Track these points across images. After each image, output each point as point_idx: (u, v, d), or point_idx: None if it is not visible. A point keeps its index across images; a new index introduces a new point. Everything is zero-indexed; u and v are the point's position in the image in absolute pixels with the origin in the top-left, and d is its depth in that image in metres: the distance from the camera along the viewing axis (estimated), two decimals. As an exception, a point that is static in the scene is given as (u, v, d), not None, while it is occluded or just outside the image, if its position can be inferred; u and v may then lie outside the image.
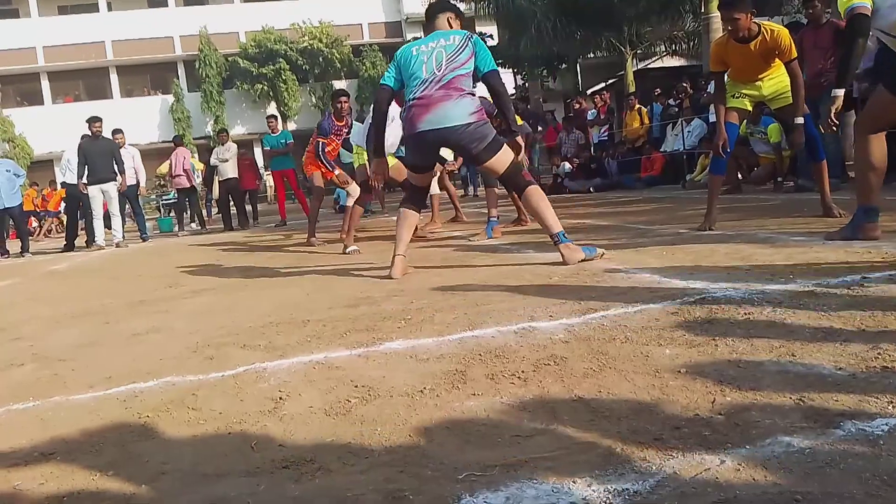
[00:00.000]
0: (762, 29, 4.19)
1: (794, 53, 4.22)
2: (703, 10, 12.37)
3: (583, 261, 3.47)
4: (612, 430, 1.41)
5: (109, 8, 31.12)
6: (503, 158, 3.66)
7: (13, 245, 10.93)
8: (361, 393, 1.82)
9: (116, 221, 9.90)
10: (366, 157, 5.88)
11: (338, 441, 1.53)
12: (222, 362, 2.28)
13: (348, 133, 6.40)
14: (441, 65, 3.60)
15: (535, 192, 3.64)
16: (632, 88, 16.35)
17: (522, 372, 1.84)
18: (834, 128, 3.57)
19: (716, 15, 12.72)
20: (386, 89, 3.80)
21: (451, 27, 3.83)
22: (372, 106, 3.96)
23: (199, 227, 12.18)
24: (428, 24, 3.91)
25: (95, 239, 9.85)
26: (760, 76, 4.37)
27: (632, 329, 2.13)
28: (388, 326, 2.53)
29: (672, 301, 2.43)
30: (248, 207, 12.41)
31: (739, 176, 8.17)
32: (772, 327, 2.01)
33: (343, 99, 6.39)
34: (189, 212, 13.18)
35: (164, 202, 17.02)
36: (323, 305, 3.13)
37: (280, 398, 1.85)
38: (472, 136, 3.59)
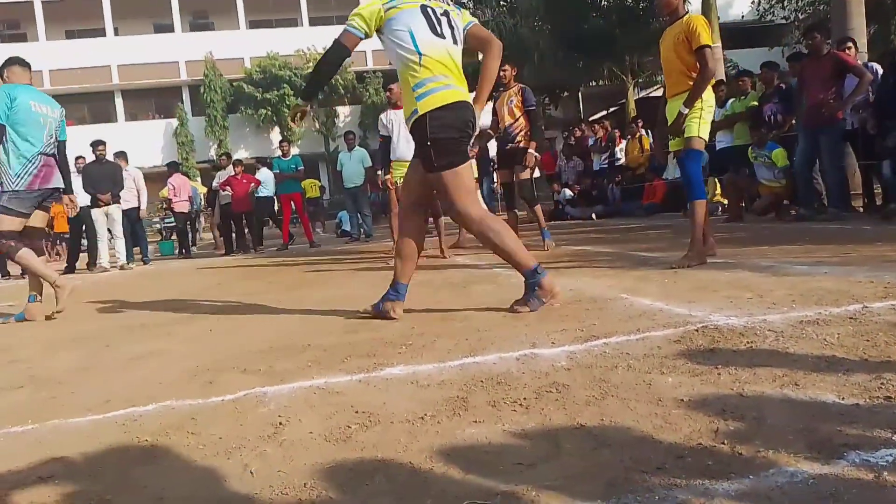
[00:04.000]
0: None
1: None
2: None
3: None
4: (615, 459, 1.40)
5: (116, 32, 31.53)
6: None
7: (14, 267, 10.92)
8: (362, 419, 1.81)
9: (119, 244, 9.93)
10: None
11: (338, 468, 1.51)
12: (222, 387, 2.27)
13: None
14: (52, 135, 4.63)
15: None
16: (633, 115, 16.48)
17: (524, 399, 1.83)
18: None
19: (717, 45, 12.89)
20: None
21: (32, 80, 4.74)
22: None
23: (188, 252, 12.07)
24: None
25: (99, 261, 9.87)
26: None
27: (634, 357, 2.13)
28: (389, 352, 2.52)
29: (674, 329, 2.43)
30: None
31: (741, 204, 8.20)
32: (774, 356, 2.01)
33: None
34: (190, 235, 13.16)
35: (166, 225, 17.08)
36: (323, 330, 3.12)
37: (280, 424, 1.84)
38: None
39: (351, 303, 3.67)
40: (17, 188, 4.46)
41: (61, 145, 4.78)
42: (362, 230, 11.44)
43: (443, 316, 3.15)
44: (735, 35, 25.20)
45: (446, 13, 3.18)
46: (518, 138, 6.14)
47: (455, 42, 3.16)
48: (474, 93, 3.26)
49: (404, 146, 6.34)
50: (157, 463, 1.66)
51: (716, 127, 8.60)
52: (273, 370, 2.43)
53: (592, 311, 2.93)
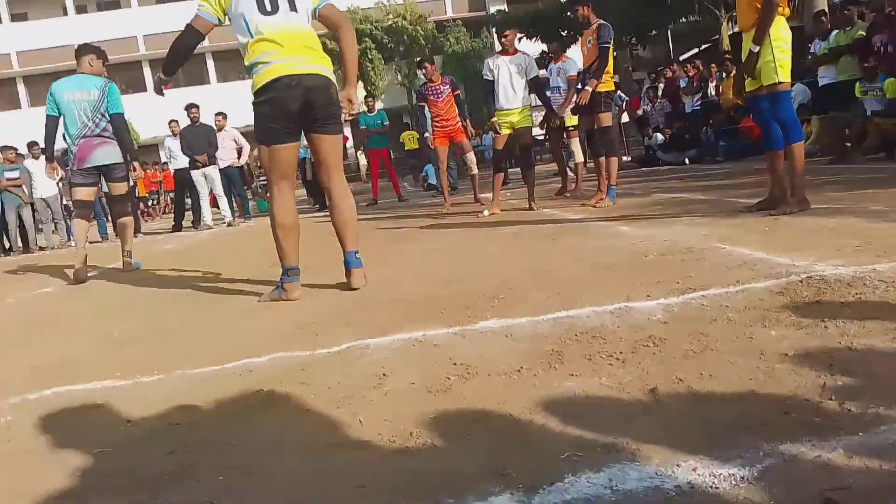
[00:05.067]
0: None
1: None
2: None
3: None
4: (716, 414, 1.40)
5: None
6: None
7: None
8: (460, 371, 1.87)
9: (223, 203, 10.44)
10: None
11: (440, 418, 1.58)
12: (328, 339, 2.38)
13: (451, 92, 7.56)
14: (90, 117, 5.10)
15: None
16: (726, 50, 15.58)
17: (620, 353, 1.84)
18: None
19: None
20: (52, 118, 5.15)
21: (93, 67, 5.27)
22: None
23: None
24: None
25: (203, 219, 10.42)
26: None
27: (734, 310, 2.08)
28: (483, 305, 2.57)
29: (776, 280, 2.35)
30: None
31: (847, 144, 7.70)
32: (885, 308, 1.92)
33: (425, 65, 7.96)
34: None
35: (261, 183, 17.67)
36: (417, 284, 3.20)
37: (383, 374, 1.93)
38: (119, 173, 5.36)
39: (442, 255, 3.74)
40: (72, 167, 5.25)
41: (115, 118, 5.26)
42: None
43: (533, 269, 3.17)
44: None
45: None
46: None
47: (294, 11, 3.13)
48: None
49: (503, 96, 6.26)
50: (272, 411, 1.79)
51: (819, 61, 8.07)
52: (374, 322, 2.53)
53: (688, 262, 2.87)
